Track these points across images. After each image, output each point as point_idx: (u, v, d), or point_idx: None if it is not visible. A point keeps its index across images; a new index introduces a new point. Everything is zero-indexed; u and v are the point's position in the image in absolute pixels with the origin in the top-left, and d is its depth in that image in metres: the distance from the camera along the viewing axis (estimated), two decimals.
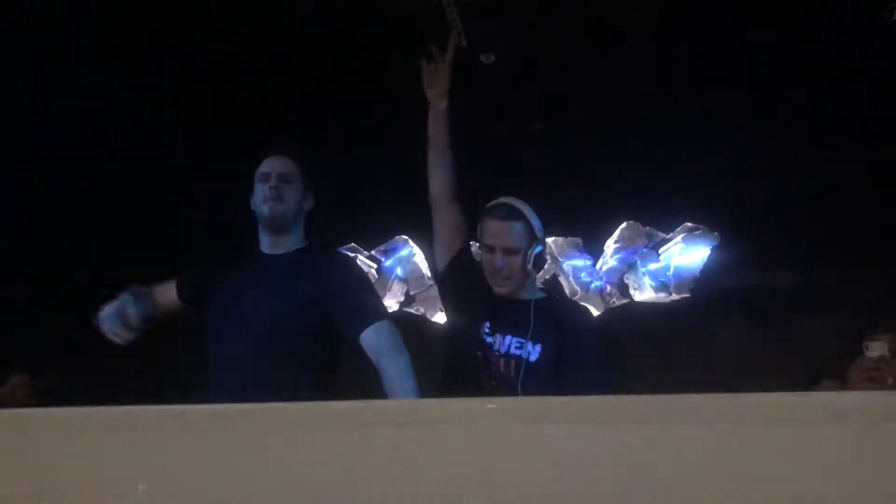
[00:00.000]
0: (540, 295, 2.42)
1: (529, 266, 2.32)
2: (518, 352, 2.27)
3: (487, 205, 2.39)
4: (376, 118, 4.34)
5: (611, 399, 1.26)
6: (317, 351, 2.27)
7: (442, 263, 2.47)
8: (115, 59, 3.83)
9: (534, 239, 2.32)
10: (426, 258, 4.61)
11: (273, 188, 2.36)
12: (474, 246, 2.42)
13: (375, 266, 4.67)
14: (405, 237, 4.67)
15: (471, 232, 2.44)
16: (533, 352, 2.26)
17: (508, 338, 2.28)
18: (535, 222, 2.34)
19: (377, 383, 2.16)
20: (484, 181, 4.24)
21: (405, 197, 4.47)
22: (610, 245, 4.46)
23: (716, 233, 4.33)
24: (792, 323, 3.89)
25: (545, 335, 2.27)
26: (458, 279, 2.42)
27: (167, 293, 2.51)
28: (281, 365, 2.18)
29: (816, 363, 3.39)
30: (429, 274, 4.60)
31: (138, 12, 3.56)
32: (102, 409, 1.37)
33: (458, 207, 2.44)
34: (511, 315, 2.31)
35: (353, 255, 4.66)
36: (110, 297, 2.39)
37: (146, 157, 4.39)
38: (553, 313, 2.32)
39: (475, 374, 2.27)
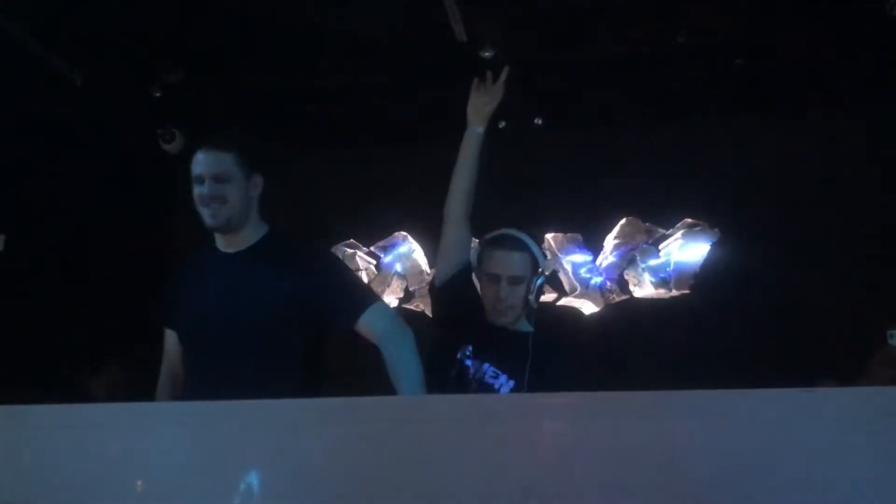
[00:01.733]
0: (528, 329, 2.39)
1: (532, 297, 2.32)
2: (491, 381, 2.26)
3: (489, 235, 2.39)
4: (375, 113, 4.33)
5: (614, 395, 1.26)
6: (298, 344, 2.20)
7: (443, 278, 2.44)
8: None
9: (537, 269, 2.33)
10: (425, 254, 4.60)
11: (207, 195, 2.19)
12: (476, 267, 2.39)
13: (374, 262, 4.66)
14: (404, 233, 4.65)
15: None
16: (505, 385, 2.25)
17: (486, 366, 2.27)
18: (538, 253, 2.35)
19: (365, 371, 2.14)
20: (484, 177, 4.25)
21: (404, 193, 4.48)
22: (610, 241, 4.45)
23: (716, 229, 4.32)
24: (794, 319, 3.88)
25: (521, 371, 2.25)
26: (456, 296, 2.40)
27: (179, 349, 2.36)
28: (261, 364, 2.12)
29: (821, 359, 3.40)
30: (428, 270, 4.58)
31: None
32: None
33: (468, 226, 2.43)
34: (496, 344, 2.30)
35: (353, 251, 4.65)
36: None
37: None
38: (535, 351, 2.29)
39: (447, 392, 2.23)
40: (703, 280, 4.29)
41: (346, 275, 2.36)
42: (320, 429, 1.33)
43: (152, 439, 1.36)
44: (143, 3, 3.55)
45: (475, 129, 2.42)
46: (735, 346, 3.83)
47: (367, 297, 2.25)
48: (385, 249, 4.67)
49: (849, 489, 1.17)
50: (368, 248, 4.68)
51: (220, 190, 2.19)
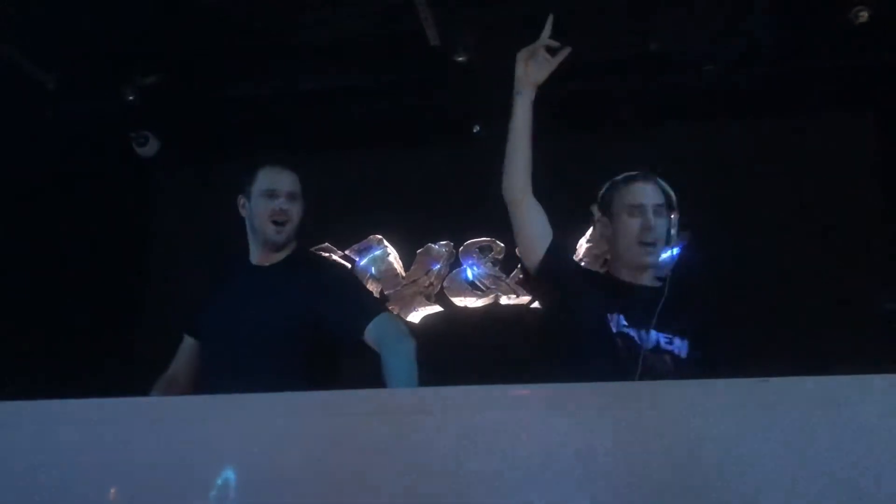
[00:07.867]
0: (656, 284, 2.21)
1: (673, 232, 2.16)
2: (668, 347, 2.08)
3: (617, 178, 2.26)
4: (348, 118, 4.34)
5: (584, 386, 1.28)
6: (311, 357, 2.27)
7: (535, 258, 2.21)
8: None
9: (672, 209, 2.17)
10: (400, 257, 4.61)
11: (283, 211, 2.29)
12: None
13: (349, 265, 4.67)
14: (379, 236, 4.67)
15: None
16: (681, 347, 2.08)
17: (653, 333, 2.08)
18: (669, 189, 2.18)
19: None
20: (459, 181, 4.27)
21: (379, 196, 4.49)
22: (583, 244, 4.49)
23: (687, 231, 4.37)
24: (768, 316, 3.95)
25: (685, 328, 2.10)
26: (563, 271, 2.23)
27: (190, 357, 2.41)
28: (281, 375, 2.15)
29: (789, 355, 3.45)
30: (402, 273, 4.59)
31: None
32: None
33: (535, 199, 2.27)
34: (644, 304, 2.11)
35: (328, 254, 4.65)
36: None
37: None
38: (683, 302, 2.13)
39: (622, 367, 2.03)
40: (674, 280, 4.33)
41: (356, 290, 2.43)
42: (308, 422, 1.35)
43: (141, 434, 1.38)
44: (117, 6, 3.53)
45: (526, 93, 2.26)
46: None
47: (373, 308, 2.30)
48: (360, 253, 4.68)
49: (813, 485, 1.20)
50: (343, 251, 4.69)
51: (291, 208, 2.30)
